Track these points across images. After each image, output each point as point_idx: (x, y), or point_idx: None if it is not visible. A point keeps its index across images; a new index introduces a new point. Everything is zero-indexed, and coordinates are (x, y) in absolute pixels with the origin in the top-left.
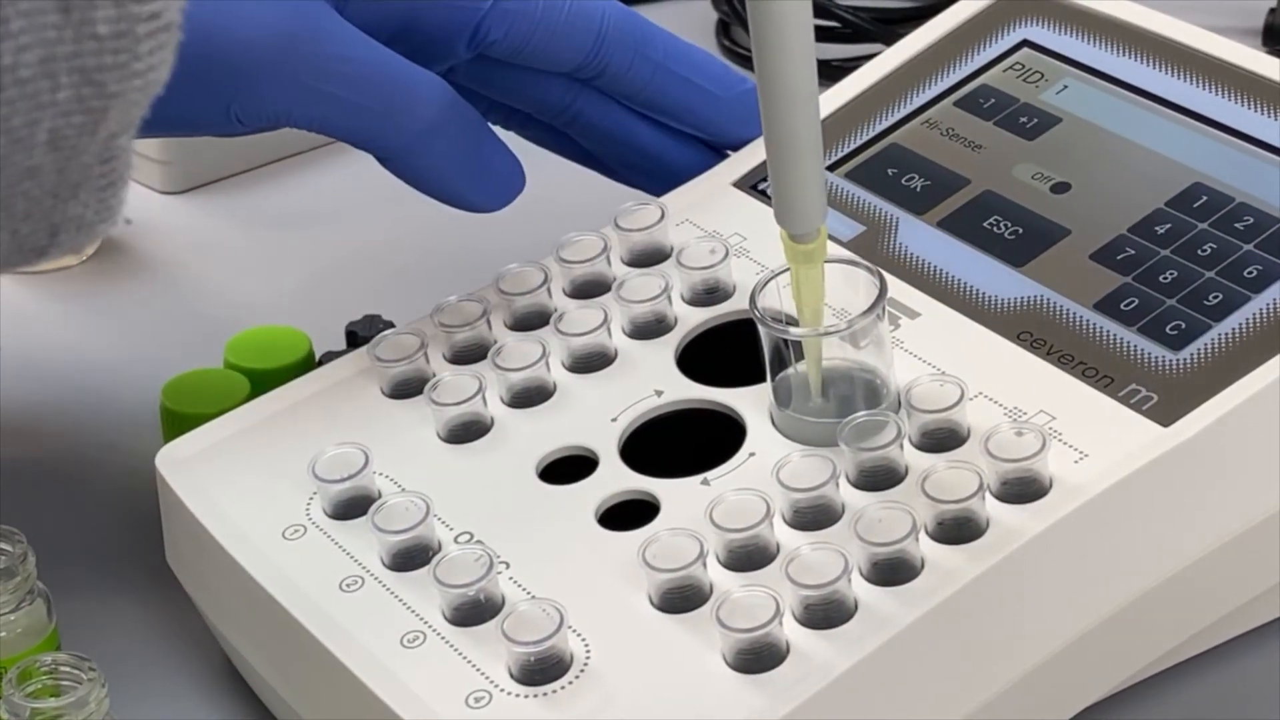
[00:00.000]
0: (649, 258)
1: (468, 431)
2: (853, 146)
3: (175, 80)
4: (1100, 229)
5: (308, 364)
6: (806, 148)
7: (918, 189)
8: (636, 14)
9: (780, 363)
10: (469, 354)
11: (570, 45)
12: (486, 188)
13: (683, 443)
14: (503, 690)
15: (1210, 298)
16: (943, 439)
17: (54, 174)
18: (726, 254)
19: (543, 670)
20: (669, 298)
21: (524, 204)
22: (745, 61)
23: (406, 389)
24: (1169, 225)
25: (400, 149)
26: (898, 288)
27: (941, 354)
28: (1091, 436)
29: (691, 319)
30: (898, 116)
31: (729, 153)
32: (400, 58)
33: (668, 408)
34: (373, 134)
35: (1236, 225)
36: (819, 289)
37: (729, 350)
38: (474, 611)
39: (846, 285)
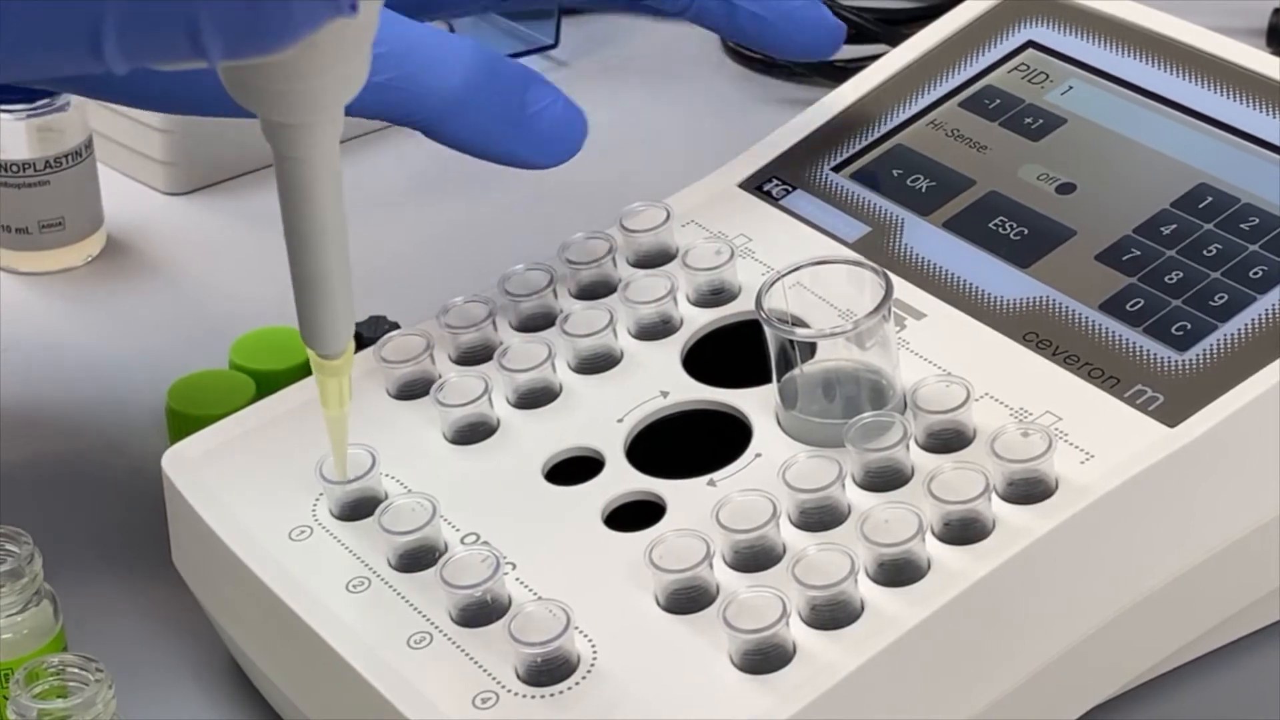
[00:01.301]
0: (655, 259)
1: (474, 432)
2: (858, 147)
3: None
4: (1106, 230)
5: None
6: (338, 281)
7: (923, 190)
8: None
9: (786, 364)
10: (475, 355)
11: None
12: (538, 143)
13: (689, 444)
14: (509, 691)
15: (1216, 298)
16: (949, 440)
17: None
18: (732, 255)
19: (549, 671)
20: (674, 299)
21: (528, 205)
22: (750, 62)
23: (412, 390)
24: (1174, 226)
25: (437, 118)
26: (903, 288)
27: (947, 355)
28: (1097, 437)
29: (697, 320)
30: (903, 117)
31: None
32: (423, 26)
33: (673, 409)
34: (407, 108)
35: (1242, 226)
36: (346, 399)
37: (735, 351)
38: (481, 612)
39: (852, 286)
